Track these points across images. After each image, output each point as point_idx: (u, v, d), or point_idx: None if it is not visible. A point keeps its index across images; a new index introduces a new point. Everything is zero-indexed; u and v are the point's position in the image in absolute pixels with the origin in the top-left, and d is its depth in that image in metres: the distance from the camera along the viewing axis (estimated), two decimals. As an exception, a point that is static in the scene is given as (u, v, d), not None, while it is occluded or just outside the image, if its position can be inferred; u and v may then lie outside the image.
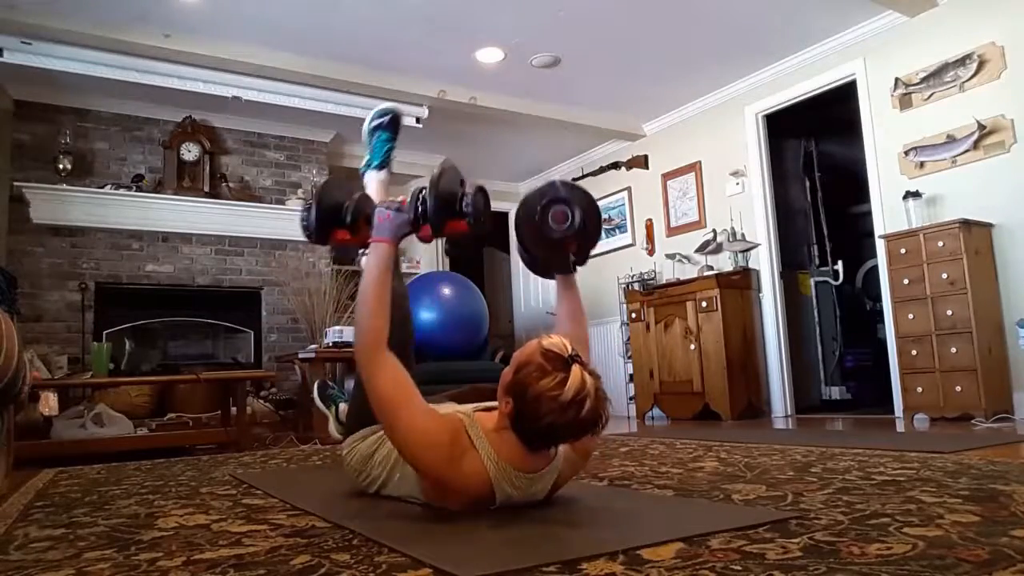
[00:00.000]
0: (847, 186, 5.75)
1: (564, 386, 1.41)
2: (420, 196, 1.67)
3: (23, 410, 3.66)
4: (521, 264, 7.83)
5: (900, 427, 3.80)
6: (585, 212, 1.77)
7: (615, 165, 6.52)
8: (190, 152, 5.45)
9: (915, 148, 4.28)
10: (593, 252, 1.90)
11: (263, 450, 3.87)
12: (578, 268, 1.88)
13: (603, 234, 1.89)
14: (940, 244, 3.86)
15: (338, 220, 1.75)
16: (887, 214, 4.44)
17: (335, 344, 4.62)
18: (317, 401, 2.39)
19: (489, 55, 4.76)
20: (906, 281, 4.00)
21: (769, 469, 2.19)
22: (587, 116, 5.83)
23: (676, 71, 5.15)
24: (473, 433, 1.53)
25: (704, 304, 5.04)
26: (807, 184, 5.92)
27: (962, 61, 4.07)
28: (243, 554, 1.31)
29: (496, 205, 7.31)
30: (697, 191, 5.76)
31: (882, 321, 4.58)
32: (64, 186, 4.92)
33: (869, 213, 4.65)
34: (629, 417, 5.76)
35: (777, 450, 2.70)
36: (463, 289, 5.64)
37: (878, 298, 4.83)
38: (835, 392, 5.45)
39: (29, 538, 1.58)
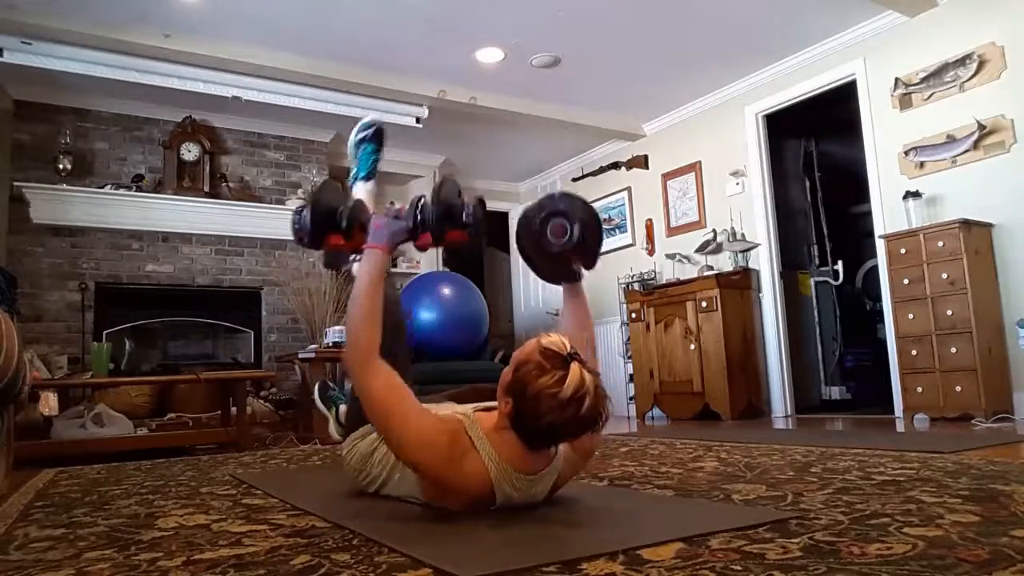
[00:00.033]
0: (847, 186, 5.75)
1: (563, 384, 1.42)
2: (419, 205, 1.66)
3: (23, 410, 3.66)
4: (522, 264, 7.81)
5: (900, 427, 3.80)
6: (585, 224, 1.76)
7: (615, 165, 6.52)
8: (190, 152, 5.45)
9: (915, 148, 4.28)
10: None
11: (263, 450, 3.87)
12: (583, 275, 1.88)
13: (604, 235, 1.86)
14: (940, 244, 3.86)
15: (332, 224, 1.72)
16: (887, 214, 4.44)
17: (335, 344, 4.62)
18: (318, 402, 2.39)
19: (489, 55, 4.76)
20: (906, 281, 4.00)
21: (769, 469, 2.19)
22: (587, 116, 5.83)
23: (676, 71, 5.15)
24: (473, 433, 1.53)
25: (704, 304, 5.04)
26: (807, 184, 5.93)
27: (962, 61, 4.07)
28: (243, 554, 1.31)
29: (496, 205, 7.34)
30: (697, 191, 5.76)
31: (882, 321, 4.58)
32: (64, 186, 4.93)
33: (869, 213, 4.65)
34: (629, 417, 5.76)
35: (777, 450, 2.70)
36: (463, 289, 5.64)
37: (878, 298, 4.83)
38: (835, 392, 5.46)
39: (29, 538, 1.58)
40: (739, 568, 1.05)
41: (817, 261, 5.76)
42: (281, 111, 5.30)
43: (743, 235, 5.32)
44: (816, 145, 6.00)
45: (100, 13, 4.03)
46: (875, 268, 4.88)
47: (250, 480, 2.46)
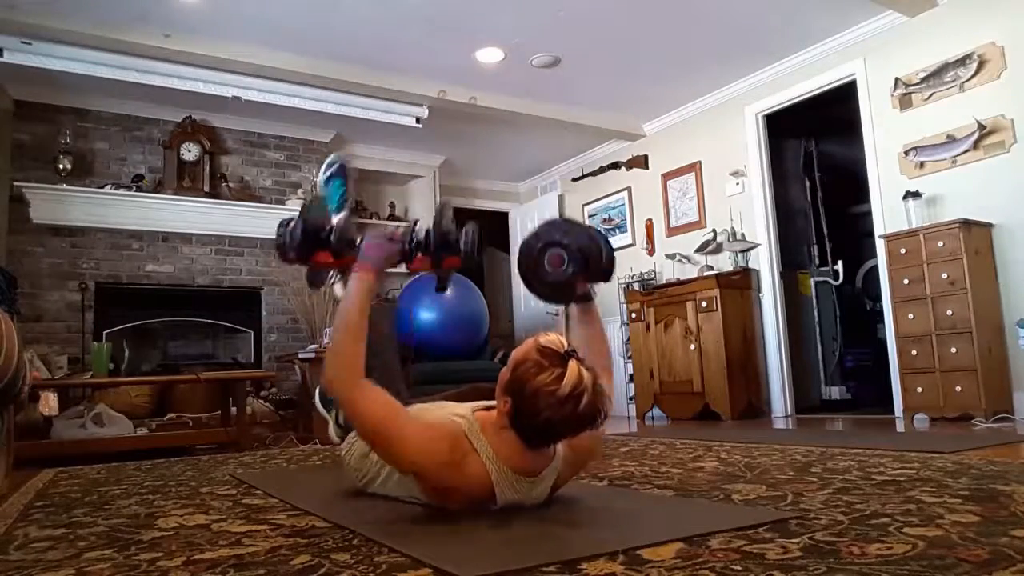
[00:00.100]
0: (847, 186, 5.75)
1: (561, 381, 1.43)
2: (415, 229, 1.65)
3: (23, 410, 3.66)
4: (521, 264, 7.71)
5: (900, 427, 3.80)
6: (585, 250, 1.77)
7: (615, 165, 6.52)
8: (190, 152, 5.45)
9: (915, 148, 4.28)
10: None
11: (263, 450, 3.87)
12: (594, 294, 1.89)
13: (609, 254, 1.85)
14: (940, 244, 3.86)
15: (320, 241, 1.69)
16: (887, 214, 4.44)
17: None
18: (318, 405, 2.39)
19: (489, 55, 4.76)
20: (906, 281, 4.00)
21: (769, 469, 2.19)
22: (587, 116, 5.83)
23: (676, 71, 5.15)
24: (473, 435, 1.53)
25: (704, 304, 5.04)
26: (807, 184, 5.93)
27: (962, 61, 4.07)
28: (243, 554, 1.31)
29: (496, 205, 7.34)
30: (697, 191, 5.76)
31: (882, 321, 4.58)
32: (64, 186, 4.93)
33: (869, 213, 4.65)
34: (629, 417, 5.76)
35: (777, 450, 2.70)
36: (463, 289, 5.65)
37: (878, 298, 4.83)
38: (835, 392, 5.46)
39: (29, 538, 1.58)
40: (739, 568, 1.05)
41: (817, 261, 5.76)
42: (281, 111, 5.30)
43: (743, 235, 5.32)
44: (816, 145, 6.00)
45: (100, 13, 4.03)
46: (875, 268, 4.88)
47: (250, 480, 2.46)
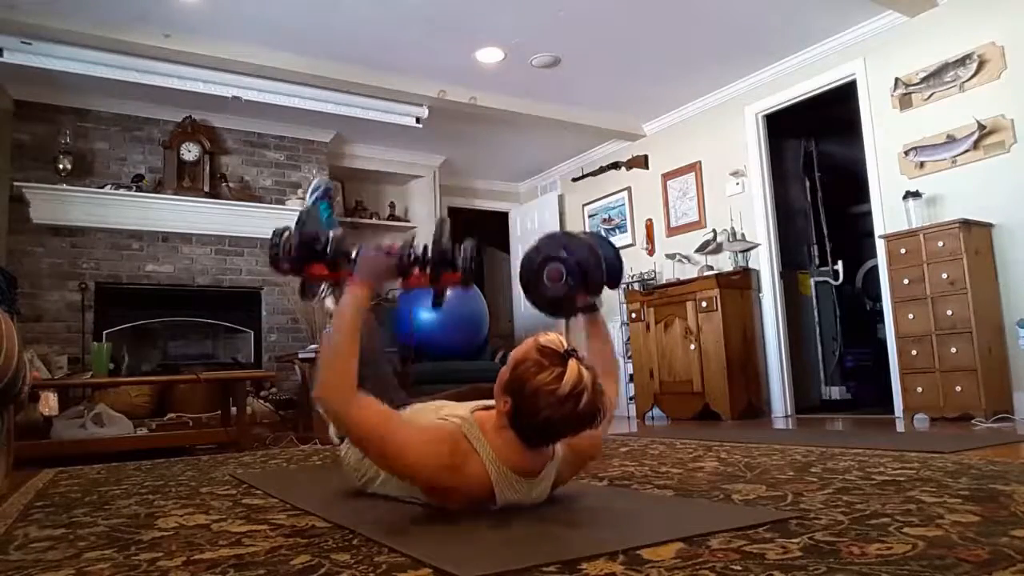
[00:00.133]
0: (847, 186, 5.75)
1: (561, 380, 1.43)
2: (412, 245, 1.65)
3: (23, 410, 3.66)
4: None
5: (900, 427, 3.80)
6: (585, 264, 1.78)
7: (615, 165, 6.52)
8: (190, 152, 5.45)
9: (915, 148, 4.28)
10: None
11: (263, 450, 3.87)
12: (599, 305, 1.92)
13: (608, 267, 1.88)
14: (940, 244, 3.86)
15: (315, 253, 1.67)
16: (887, 214, 4.44)
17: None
18: (318, 406, 2.40)
19: (489, 55, 4.76)
20: (906, 281, 4.00)
21: (769, 469, 2.19)
22: (587, 116, 5.83)
23: (676, 71, 5.15)
24: (472, 436, 1.53)
25: (704, 304, 5.04)
26: (807, 184, 5.93)
27: (962, 61, 4.07)
28: (243, 554, 1.31)
29: (496, 205, 7.34)
30: (697, 191, 5.76)
31: (882, 321, 4.58)
32: (64, 186, 4.92)
33: (869, 213, 4.65)
34: (629, 417, 5.76)
35: (777, 450, 2.70)
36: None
37: (878, 298, 4.83)
38: (835, 392, 5.46)
39: (29, 538, 1.58)
40: (739, 568, 1.05)
41: (817, 261, 5.76)
42: (281, 111, 5.30)
43: (743, 235, 5.32)
44: (816, 145, 6.00)
45: (100, 13, 4.03)
46: (875, 268, 4.88)
47: (250, 480, 2.46)
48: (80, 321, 4.96)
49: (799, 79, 5.00)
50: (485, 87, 5.24)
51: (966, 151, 4.05)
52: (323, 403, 1.51)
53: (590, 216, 6.85)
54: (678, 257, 5.75)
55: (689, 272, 5.56)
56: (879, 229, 4.45)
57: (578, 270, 1.79)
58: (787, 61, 5.01)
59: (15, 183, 4.81)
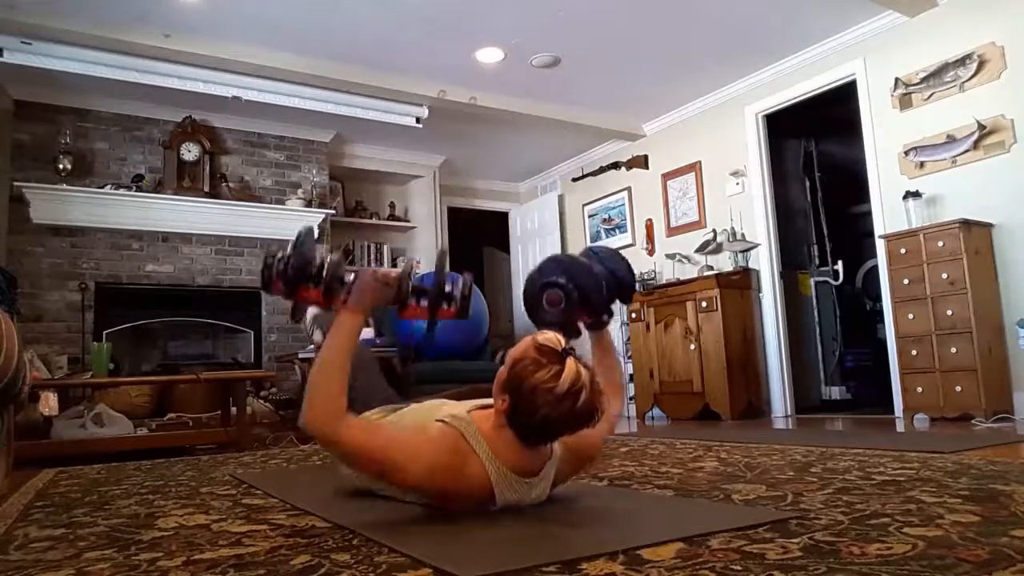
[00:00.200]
0: (847, 186, 5.75)
1: (559, 378, 1.43)
2: (410, 276, 1.64)
3: (23, 410, 3.66)
4: (521, 264, 7.78)
5: (900, 427, 3.80)
6: (585, 289, 1.81)
7: (615, 165, 6.52)
8: (190, 152, 5.45)
9: (915, 148, 4.28)
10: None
11: (263, 450, 3.87)
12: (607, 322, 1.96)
13: (612, 288, 1.92)
14: (940, 244, 3.86)
15: (309, 276, 1.64)
16: (887, 214, 4.44)
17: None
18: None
19: (489, 55, 4.76)
20: (906, 281, 4.00)
21: (769, 469, 2.19)
22: (587, 116, 5.83)
23: (676, 71, 5.15)
24: (470, 435, 1.53)
25: (704, 304, 5.04)
26: (807, 184, 5.93)
27: (962, 61, 4.07)
28: (243, 554, 1.31)
29: (496, 205, 7.32)
30: (697, 191, 5.77)
31: (882, 321, 4.58)
32: (64, 186, 4.92)
33: (869, 213, 4.65)
34: (629, 417, 5.76)
35: (777, 450, 2.70)
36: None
37: (878, 298, 4.83)
38: (835, 392, 5.45)
39: (29, 538, 1.58)
40: (739, 568, 1.05)
41: (817, 261, 5.76)
42: (281, 111, 5.30)
43: (743, 235, 5.32)
44: (816, 145, 6.00)
45: (100, 13, 4.03)
46: (875, 268, 4.88)
47: (250, 480, 2.46)
48: (80, 321, 4.96)
49: (799, 79, 5.00)
50: (485, 87, 5.24)
51: (966, 151, 4.05)
52: (311, 428, 1.45)
53: (590, 216, 6.85)
54: (678, 257, 5.75)
55: (689, 272, 5.56)
56: (879, 229, 4.45)
57: (578, 295, 1.81)
58: (787, 61, 5.01)
59: (15, 183, 4.80)
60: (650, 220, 6.20)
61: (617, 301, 2.02)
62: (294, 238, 1.66)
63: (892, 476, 1.92)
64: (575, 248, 6.98)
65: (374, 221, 6.77)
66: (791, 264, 5.46)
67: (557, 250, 7.04)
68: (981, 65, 4.00)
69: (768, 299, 5.20)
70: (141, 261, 5.25)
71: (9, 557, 1.39)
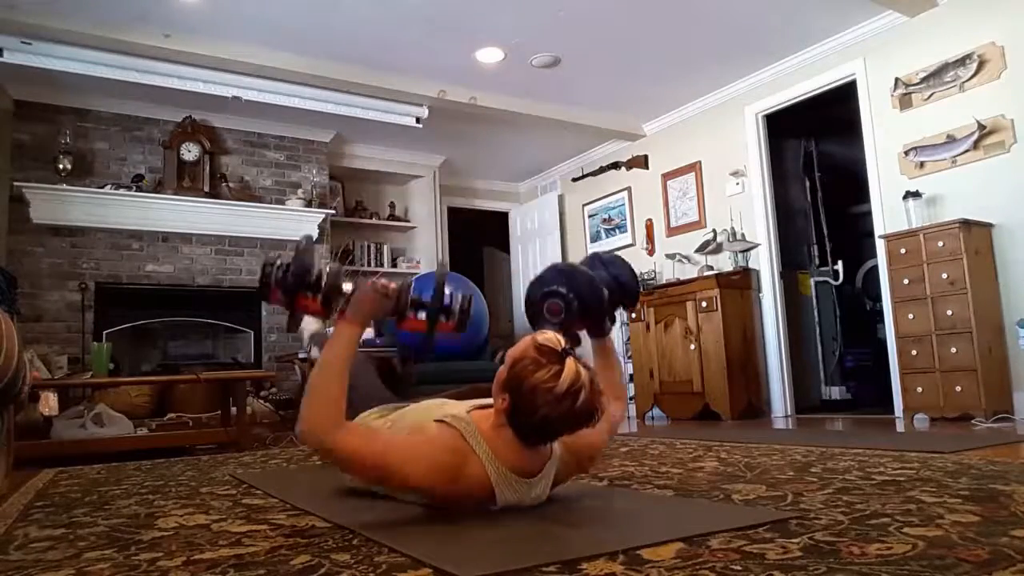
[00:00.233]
0: (847, 186, 5.75)
1: (559, 378, 1.44)
2: (410, 288, 1.64)
3: (23, 410, 3.66)
4: (521, 264, 7.78)
5: (900, 427, 3.80)
6: (585, 299, 1.83)
7: (615, 165, 6.52)
8: (190, 152, 5.45)
9: (915, 148, 4.28)
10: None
11: (263, 450, 3.87)
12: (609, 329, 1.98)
13: (608, 299, 1.94)
14: (940, 244, 3.86)
15: (308, 285, 1.63)
16: (887, 214, 4.44)
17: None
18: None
19: (489, 55, 4.76)
20: (906, 281, 4.00)
21: (769, 469, 2.19)
22: (587, 116, 5.83)
23: (676, 71, 5.15)
24: (470, 435, 1.53)
25: (704, 304, 5.04)
26: (807, 184, 5.92)
27: (962, 61, 4.07)
28: (243, 554, 1.31)
29: (496, 205, 7.33)
30: (697, 191, 5.76)
31: (882, 321, 4.58)
32: (64, 186, 4.93)
33: (869, 213, 4.65)
34: (629, 417, 5.76)
35: (777, 450, 2.70)
36: (463, 289, 5.64)
37: (878, 298, 4.83)
38: (835, 392, 5.45)
39: (29, 538, 1.58)
40: (739, 568, 1.05)
41: (817, 261, 5.76)
42: (281, 111, 5.30)
43: (743, 235, 5.32)
44: (816, 145, 6.00)
45: (100, 13, 4.03)
46: (875, 268, 4.88)
47: (250, 480, 2.46)
48: (80, 321, 4.96)
49: (799, 79, 5.00)
50: (485, 87, 5.24)
51: (966, 151, 4.05)
52: (308, 438, 1.44)
53: (590, 216, 6.85)
54: (678, 257, 5.75)
55: (689, 272, 5.56)
56: (879, 229, 4.45)
57: (578, 305, 1.83)
58: (787, 61, 5.01)
59: (15, 183, 4.81)
60: (650, 220, 6.20)
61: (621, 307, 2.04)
62: (294, 247, 1.66)
63: (892, 476, 1.92)
64: (575, 248, 6.99)
65: (374, 221, 6.77)
66: (791, 264, 5.46)
67: (557, 250, 7.05)
68: (981, 65, 4.00)
69: (768, 299, 5.20)
70: (141, 261, 5.25)
71: (9, 557, 1.39)
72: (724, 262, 5.38)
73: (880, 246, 4.35)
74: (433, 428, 1.56)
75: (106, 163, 5.26)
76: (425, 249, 6.88)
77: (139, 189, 5.21)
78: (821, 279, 5.64)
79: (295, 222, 5.73)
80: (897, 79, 4.39)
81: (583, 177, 6.89)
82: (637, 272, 6.28)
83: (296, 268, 1.60)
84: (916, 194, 4.15)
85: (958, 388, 3.73)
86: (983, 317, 3.74)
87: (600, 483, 2.09)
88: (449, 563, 1.13)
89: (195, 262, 5.44)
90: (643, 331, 5.50)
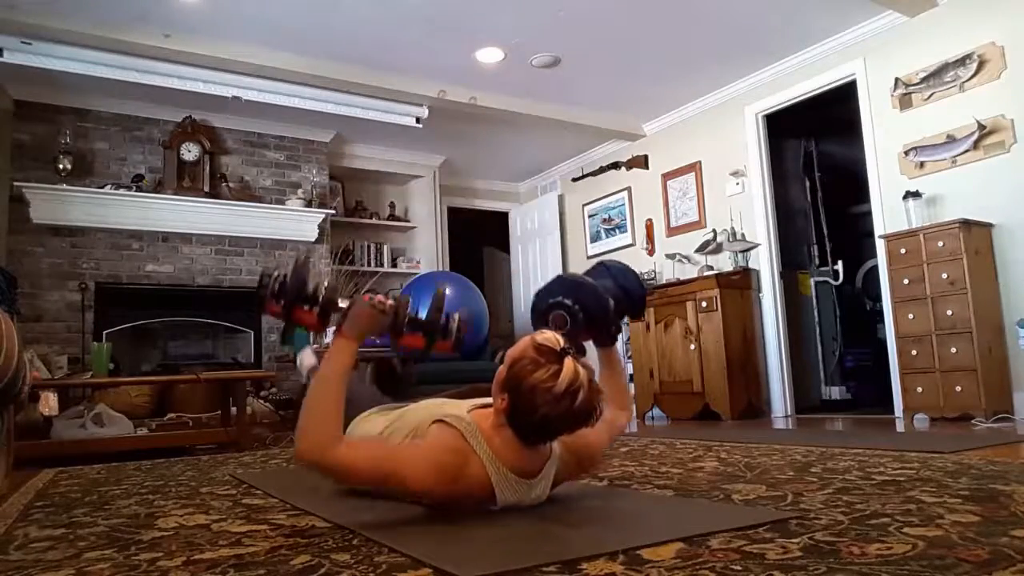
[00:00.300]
0: (847, 186, 5.75)
1: (558, 378, 1.44)
2: (407, 305, 1.64)
3: (23, 410, 3.66)
4: (521, 264, 7.77)
5: (900, 427, 3.80)
6: (591, 311, 1.84)
7: (615, 165, 6.52)
8: (190, 152, 5.45)
9: (915, 148, 4.28)
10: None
11: (263, 450, 3.87)
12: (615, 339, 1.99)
13: (613, 311, 1.96)
14: (940, 244, 3.86)
15: (305, 297, 1.63)
16: (887, 214, 4.44)
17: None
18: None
19: (489, 55, 4.76)
20: (906, 281, 4.00)
21: (769, 469, 2.19)
22: (587, 116, 5.83)
23: (676, 71, 5.15)
24: (471, 435, 1.53)
25: (704, 304, 5.04)
26: (807, 184, 5.92)
27: (962, 61, 4.07)
28: (243, 554, 1.31)
29: (496, 205, 7.33)
30: (697, 191, 5.76)
31: (882, 321, 4.58)
32: (64, 186, 4.92)
33: (869, 213, 4.65)
34: (629, 417, 5.75)
35: (777, 450, 2.70)
36: (463, 289, 5.64)
37: (878, 298, 4.83)
38: (835, 392, 5.45)
39: (29, 538, 1.58)
40: (739, 568, 1.05)
41: (817, 261, 5.76)
42: (281, 111, 5.30)
43: (743, 235, 5.32)
44: (816, 145, 6.00)
45: (100, 13, 4.03)
46: (875, 268, 4.87)
47: (250, 480, 2.46)
48: (80, 321, 4.96)
49: (799, 79, 5.00)
50: (485, 87, 5.24)
51: (966, 151, 4.05)
52: (306, 456, 1.43)
53: (590, 216, 6.85)
54: (678, 257, 5.75)
55: (689, 272, 5.56)
56: (879, 229, 4.45)
57: (583, 317, 1.84)
58: (787, 61, 5.01)
59: (15, 183, 4.81)
60: (650, 220, 6.20)
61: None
62: (292, 262, 1.67)
63: (892, 476, 1.92)
64: (575, 248, 6.99)
65: (374, 221, 6.77)
66: (791, 264, 5.46)
67: (557, 250, 7.05)
68: (981, 65, 4.00)
69: (768, 299, 5.20)
70: (141, 261, 5.25)
71: (9, 557, 1.39)
72: (724, 262, 5.38)
73: (880, 246, 4.35)
74: (433, 429, 1.56)
75: (106, 163, 5.26)
76: (425, 249, 6.88)
77: (139, 189, 5.21)
78: (821, 279, 5.64)
79: (295, 222, 5.73)
80: (897, 79, 4.39)
81: (583, 177, 6.89)
82: (637, 272, 6.28)
83: (294, 280, 1.61)
84: (916, 194, 4.15)
85: (958, 388, 3.73)
86: (983, 317, 3.74)
87: (600, 483, 2.09)
88: (449, 563, 1.13)
89: (195, 262, 5.44)
90: (643, 331, 5.50)
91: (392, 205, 6.94)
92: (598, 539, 1.31)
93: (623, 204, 6.48)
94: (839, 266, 5.48)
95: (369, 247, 6.68)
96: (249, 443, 4.06)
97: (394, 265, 6.77)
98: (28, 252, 4.89)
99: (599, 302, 1.88)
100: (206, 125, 5.58)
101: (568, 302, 1.85)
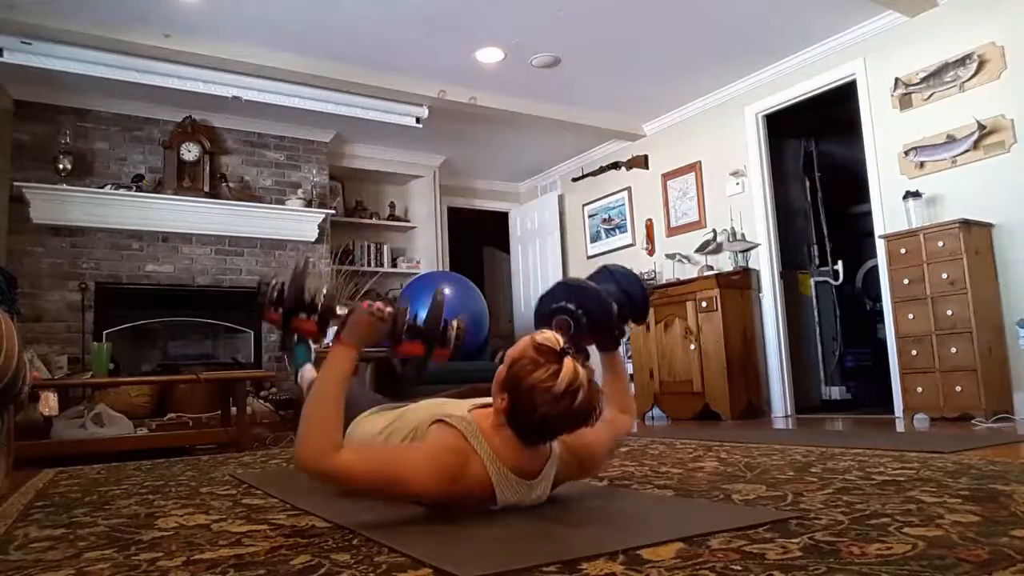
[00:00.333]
0: (847, 186, 5.75)
1: (557, 377, 1.44)
2: (405, 312, 1.63)
3: (23, 410, 3.66)
4: (521, 264, 7.77)
5: (900, 427, 3.80)
6: (594, 316, 1.85)
7: (615, 165, 6.52)
8: (190, 152, 5.45)
9: (915, 148, 4.28)
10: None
11: (263, 450, 3.87)
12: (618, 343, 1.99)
13: (616, 315, 1.97)
14: (940, 244, 3.86)
15: (303, 305, 1.63)
16: (887, 214, 4.44)
17: (335, 344, 4.61)
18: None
19: (489, 55, 4.76)
20: (906, 281, 4.00)
21: (769, 469, 2.19)
22: (587, 116, 5.83)
23: (676, 71, 5.15)
24: (471, 435, 1.53)
25: (704, 304, 5.04)
26: (807, 184, 5.92)
27: (962, 61, 4.07)
28: (243, 554, 1.31)
29: (496, 205, 7.34)
30: (697, 191, 5.76)
31: (882, 321, 4.58)
32: (64, 186, 4.92)
33: (869, 213, 4.65)
34: (629, 417, 5.75)
35: (777, 450, 2.70)
36: (463, 289, 5.65)
37: (878, 298, 4.83)
38: (835, 392, 5.45)
39: (29, 538, 1.58)
40: (739, 568, 1.05)
41: (817, 261, 5.76)
42: (281, 111, 5.30)
43: (743, 235, 5.32)
44: (816, 145, 6.00)
45: (100, 13, 4.03)
46: (875, 268, 4.87)
47: (250, 480, 2.46)
48: (80, 321, 4.96)
49: (799, 79, 5.00)
50: (485, 87, 5.24)
51: (966, 151, 4.05)
52: (306, 465, 1.42)
53: (590, 216, 6.84)
54: (678, 257, 5.75)
55: (689, 272, 5.56)
56: (879, 229, 4.45)
57: (587, 322, 1.84)
58: (787, 61, 5.01)
59: (15, 183, 4.80)
60: (650, 220, 6.20)
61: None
62: (290, 269, 1.67)
63: (892, 476, 1.92)
64: (575, 248, 6.99)
65: (374, 221, 6.77)
66: (791, 264, 5.46)
67: (557, 250, 7.05)
68: (981, 65, 4.00)
69: (768, 299, 5.20)
70: (141, 261, 5.25)
71: (9, 557, 1.39)
72: (724, 262, 5.38)
73: (880, 246, 4.35)
74: (433, 429, 1.56)
75: (106, 163, 5.26)
76: (425, 249, 6.88)
77: (139, 189, 5.21)
78: (821, 279, 5.64)
79: (295, 222, 5.73)
80: (897, 79, 4.39)
81: (583, 177, 6.89)
82: (637, 272, 6.29)
83: (293, 288, 1.60)
84: (916, 194, 4.15)
85: (958, 388, 3.73)
86: (983, 317, 3.74)
87: (600, 483, 2.09)
88: (449, 563, 1.13)
89: (195, 262, 5.44)
90: (643, 331, 5.49)
91: (392, 205, 6.94)
92: (598, 539, 1.31)
93: (623, 204, 6.48)
94: (839, 266, 5.48)
95: (369, 247, 6.68)
96: (249, 443, 4.06)
97: (394, 265, 6.77)
98: (28, 252, 4.89)
99: (602, 307, 1.88)
100: (206, 125, 5.58)
101: (571, 307, 1.86)
